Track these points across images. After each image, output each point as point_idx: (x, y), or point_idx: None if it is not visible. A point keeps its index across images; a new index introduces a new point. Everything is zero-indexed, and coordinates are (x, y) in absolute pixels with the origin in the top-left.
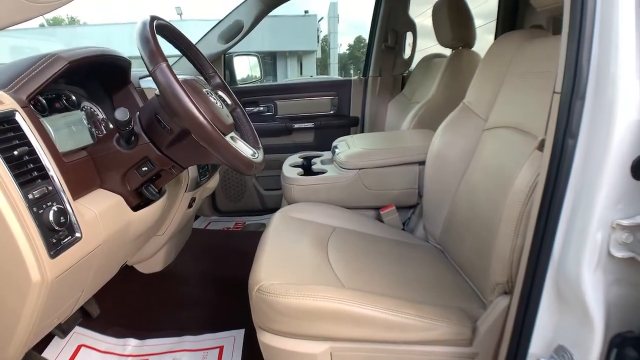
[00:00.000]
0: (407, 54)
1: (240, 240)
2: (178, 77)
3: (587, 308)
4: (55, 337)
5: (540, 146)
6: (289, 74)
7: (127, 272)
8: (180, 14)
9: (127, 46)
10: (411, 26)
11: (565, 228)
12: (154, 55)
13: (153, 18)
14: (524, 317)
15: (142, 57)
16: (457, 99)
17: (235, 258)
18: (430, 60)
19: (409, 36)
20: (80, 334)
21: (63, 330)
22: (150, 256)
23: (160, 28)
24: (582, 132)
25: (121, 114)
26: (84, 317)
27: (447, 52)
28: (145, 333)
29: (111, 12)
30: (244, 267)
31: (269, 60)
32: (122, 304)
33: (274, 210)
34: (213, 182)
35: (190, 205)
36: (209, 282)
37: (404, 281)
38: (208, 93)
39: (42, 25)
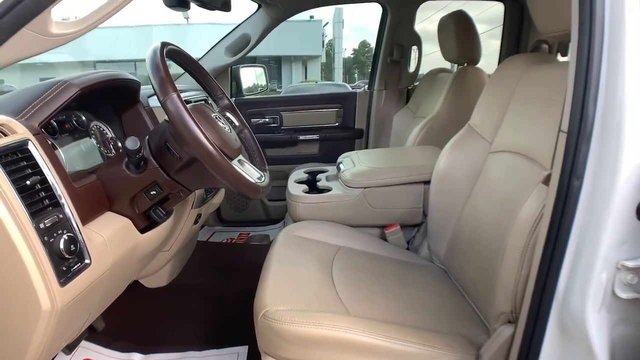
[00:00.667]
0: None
1: (245, 253)
2: (185, 93)
3: (591, 345)
4: (61, 352)
5: (546, 180)
6: (293, 79)
7: (132, 287)
8: (187, 18)
9: (134, 49)
10: (416, 40)
11: (569, 266)
12: (164, 84)
13: (164, 45)
14: (528, 350)
15: (152, 85)
16: (462, 116)
17: (240, 272)
18: (435, 75)
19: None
20: (85, 348)
21: (69, 347)
22: (156, 271)
23: (171, 53)
24: (588, 173)
25: (131, 143)
26: (89, 331)
27: (449, 63)
28: (149, 348)
29: (119, 15)
30: (249, 282)
31: (274, 64)
32: (127, 318)
33: (277, 220)
34: (218, 198)
35: (196, 221)
36: (214, 297)
37: (408, 305)
38: (216, 117)
39: None
